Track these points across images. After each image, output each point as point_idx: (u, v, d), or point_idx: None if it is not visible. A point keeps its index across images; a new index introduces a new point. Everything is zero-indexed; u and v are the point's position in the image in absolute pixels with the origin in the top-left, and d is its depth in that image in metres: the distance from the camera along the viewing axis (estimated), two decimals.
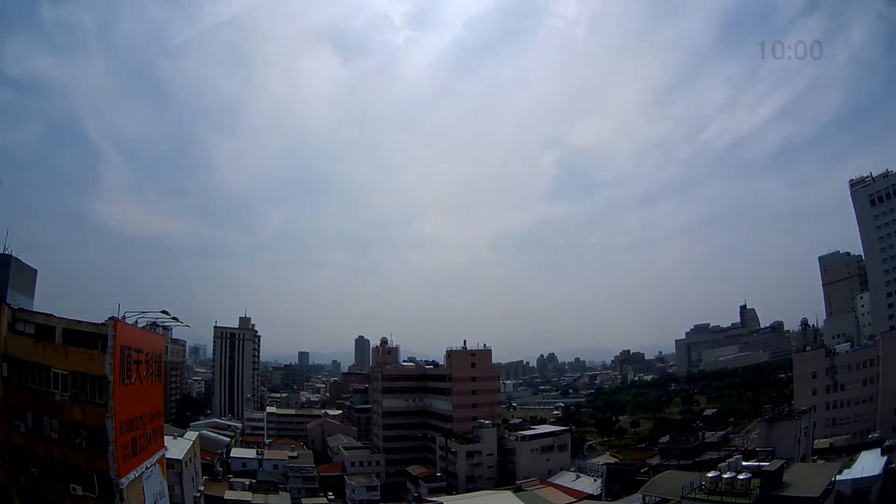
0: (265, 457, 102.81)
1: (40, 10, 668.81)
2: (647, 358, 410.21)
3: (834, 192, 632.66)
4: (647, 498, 48.96)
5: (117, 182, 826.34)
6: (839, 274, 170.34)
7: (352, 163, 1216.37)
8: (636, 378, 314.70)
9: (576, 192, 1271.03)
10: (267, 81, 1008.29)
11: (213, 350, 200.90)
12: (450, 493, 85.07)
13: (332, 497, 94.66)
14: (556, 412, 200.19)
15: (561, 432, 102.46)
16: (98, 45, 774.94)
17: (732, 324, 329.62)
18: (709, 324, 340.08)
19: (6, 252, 35.48)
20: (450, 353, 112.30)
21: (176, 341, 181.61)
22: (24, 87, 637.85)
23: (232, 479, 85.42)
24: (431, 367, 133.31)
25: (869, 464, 52.98)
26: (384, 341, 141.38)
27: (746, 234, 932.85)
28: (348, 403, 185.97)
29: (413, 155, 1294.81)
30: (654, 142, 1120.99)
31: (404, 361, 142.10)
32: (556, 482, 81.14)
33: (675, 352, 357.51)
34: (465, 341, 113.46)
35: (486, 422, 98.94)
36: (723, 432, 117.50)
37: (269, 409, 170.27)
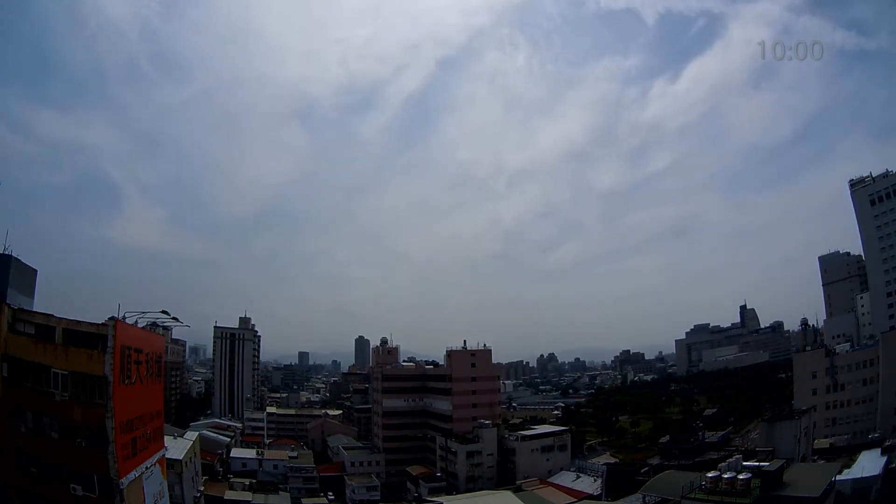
0: (265, 457, 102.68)
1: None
2: (647, 358, 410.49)
3: (834, 192, 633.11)
4: (647, 498, 48.98)
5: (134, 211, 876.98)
6: (839, 274, 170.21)
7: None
8: (636, 378, 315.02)
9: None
10: (250, 144, 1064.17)
11: (213, 350, 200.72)
12: (450, 493, 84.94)
13: (332, 497, 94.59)
14: (556, 412, 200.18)
15: (561, 432, 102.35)
16: (111, 110, 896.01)
17: (732, 324, 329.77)
18: (709, 324, 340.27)
19: (6, 252, 35.49)
20: (450, 353, 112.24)
21: (176, 341, 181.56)
22: (59, 146, 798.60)
23: (232, 480, 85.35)
24: (431, 367, 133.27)
25: (869, 464, 52.91)
26: (384, 341, 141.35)
27: (747, 234, 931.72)
28: (348, 403, 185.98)
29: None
30: (654, 140, 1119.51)
31: (404, 361, 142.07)
32: (556, 482, 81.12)
33: (675, 352, 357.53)
34: (465, 341, 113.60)
35: (486, 422, 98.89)
36: (723, 432, 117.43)
37: (269, 410, 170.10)
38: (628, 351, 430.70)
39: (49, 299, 42.46)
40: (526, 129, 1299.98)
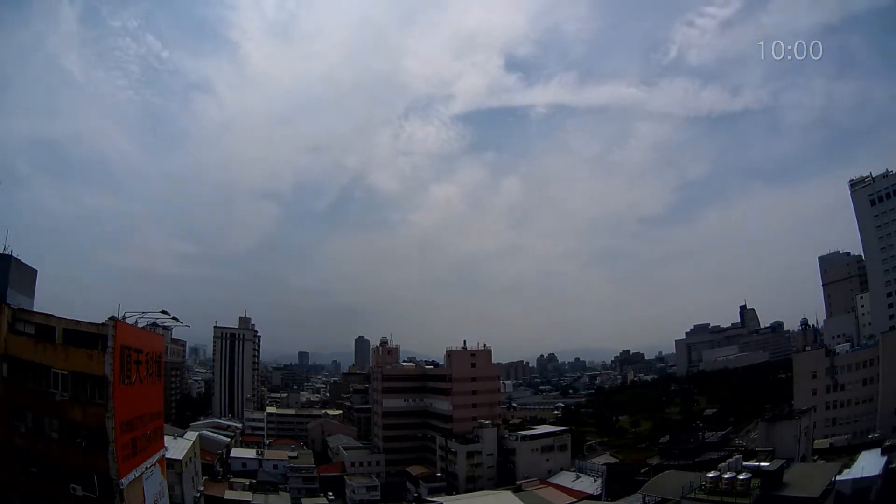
0: (265, 457, 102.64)
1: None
2: (647, 358, 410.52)
3: (834, 192, 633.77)
4: (647, 498, 49.01)
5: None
6: (839, 274, 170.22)
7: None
8: (636, 378, 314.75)
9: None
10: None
11: (213, 350, 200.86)
12: (450, 494, 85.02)
13: (332, 497, 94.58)
14: (555, 412, 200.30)
15: (561, 432, 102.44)
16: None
17: (732, 324, 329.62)
18: (709, 324, 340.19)
19: (6, 252, 35.47)
20: (450, 353, 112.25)
21: (176, 341, 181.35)
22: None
23: (232, 480, 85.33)
24: (431, 367, 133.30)
25: (869, 464, 52.92)
26: (384, 341, 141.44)
27: (747, 234, 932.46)
28: (348, 403, 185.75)
29: None
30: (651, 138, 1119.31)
31: (404, 361, 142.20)
32: (556, 482, 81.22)
33: (675, 352, 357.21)
34: (465, 341, 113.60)
35: (486, 422, 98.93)
36: (723, 432, 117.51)
37: (269, 410, 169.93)
38: (628, 351, 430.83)
39: (49, 299, 42.45)
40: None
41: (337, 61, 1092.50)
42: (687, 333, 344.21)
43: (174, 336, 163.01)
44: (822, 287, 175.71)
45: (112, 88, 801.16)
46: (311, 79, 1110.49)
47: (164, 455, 44.94)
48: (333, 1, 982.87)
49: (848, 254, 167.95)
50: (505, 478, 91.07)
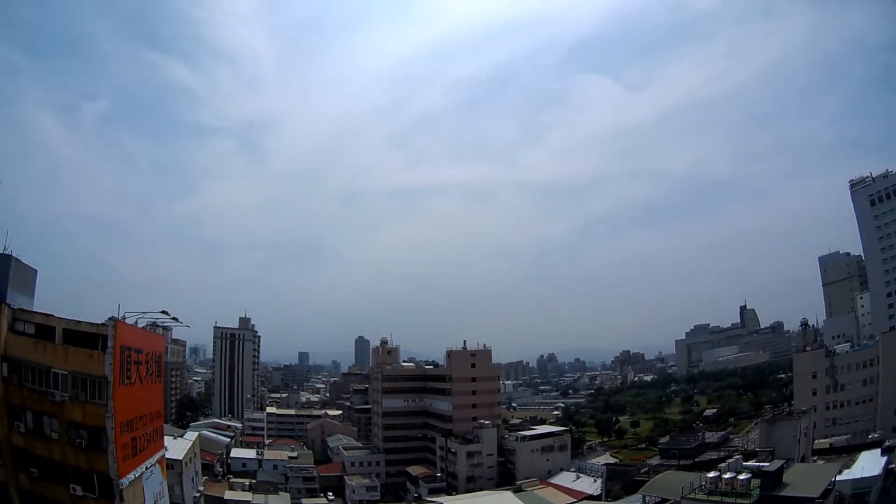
0: (265, 457, 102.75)
1: None
2: (647, 358, 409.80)
3: (834, 192, 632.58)
4: (647, 498, 49.04)
5: None
6: (839, 274, 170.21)
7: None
8: (636, 378, 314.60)
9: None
10: None
11: (213, 350, 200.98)
12: (450, 494, 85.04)
13: (332, 497, 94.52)
14: (555, 412, 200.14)
15: (561, 433, 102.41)
16: None
17: (732, 324, 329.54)
18: (709, 324, 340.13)
19: (6, 252, 35.43)
20: (450, 354, 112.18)
21: (176, 341, 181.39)
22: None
23: (232, 480, 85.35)
24: (431, 367, 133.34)
25: (869, 464, 52.98)
26: (384, 341, 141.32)
27: (747, 234, 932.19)
28: (348, 404, 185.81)
29: None
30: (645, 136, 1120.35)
31: (404, 361, 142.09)
32: (556, 482, 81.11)
33: (675, 352, 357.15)
34: (464, 341, 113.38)
35: (486, 422, 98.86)
36: (723, 432, 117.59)
37: (269, 410, 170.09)
38: (628, 351, 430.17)
39: (49, 299, 42.41)
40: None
41: None
42: (687, 333, 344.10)
43: (174, 336, 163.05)
44: (822, 287, 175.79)
45: None
46: None
47: (164, 455, 44.90)
48: None
49: (848, 254, 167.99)
50: (505, 478, 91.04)
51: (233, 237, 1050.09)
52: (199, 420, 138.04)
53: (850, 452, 63.67)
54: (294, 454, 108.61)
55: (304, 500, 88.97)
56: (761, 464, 47.40)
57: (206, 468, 79.81)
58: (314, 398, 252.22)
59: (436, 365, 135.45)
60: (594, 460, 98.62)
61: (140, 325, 40.73)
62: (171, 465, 51.77)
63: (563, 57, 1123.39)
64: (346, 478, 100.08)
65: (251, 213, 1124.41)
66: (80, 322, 34.53)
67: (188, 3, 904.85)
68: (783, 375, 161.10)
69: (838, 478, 47.09)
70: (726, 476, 42.57)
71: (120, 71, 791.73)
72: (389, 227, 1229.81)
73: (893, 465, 52.81)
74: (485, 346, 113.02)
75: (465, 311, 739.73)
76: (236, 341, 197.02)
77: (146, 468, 38.10)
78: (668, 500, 45.95)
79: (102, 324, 33.77)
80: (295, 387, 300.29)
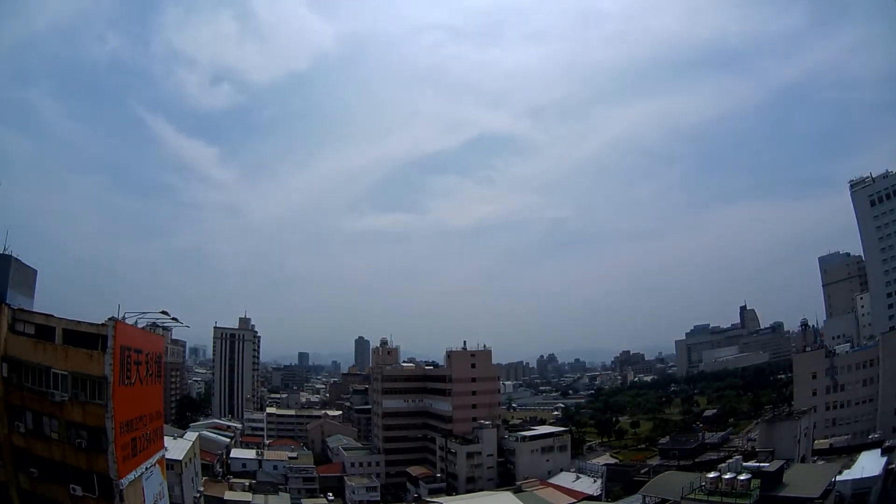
0: (265, 457, 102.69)
1: None
2: (647, 358, 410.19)
3: (834, 192, 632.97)
4: (647, 498, 49.05)
5: None
6: (839, 274, 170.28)
7: None
8: (636, 379, 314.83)
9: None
10: None
11: (213, 350, 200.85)
12: (450, 494, 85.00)
13: (332, 498, 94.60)
14: (555, 413, 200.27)
15: (561, 433, 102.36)
16: None
17: (732, 324, 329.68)
18: (709, 324, 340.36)
19: (6, 252, 35.42)
20: (450, 354, 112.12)
21: (176, 342, 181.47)
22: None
23: (232, 480, 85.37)
24: (431, 367, 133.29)
25: (869, 464, 53.02)
26: (384, 342, 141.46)
27: (747, 234, 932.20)
28: (348, 404, 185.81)
29: None
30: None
31: (404, 362, 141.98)
32: (556, 483, 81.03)
33: (675, 352, 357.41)
34: (464, 342, 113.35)
35: (486, 422, 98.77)
36: (723, 433, 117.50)
37: (269, 410, 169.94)
38: (628, 351, 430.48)
39: (49, 299, 42.40)
40: None
41: None
42: (687, 334, 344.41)
43: (174, 336, 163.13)
44: (822, 287, 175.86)
45: None
46: None
47: (164, 455, 44.85)
48: None
49: (848, 254, 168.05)
50: (505, 478, 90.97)
51: None
52: (198, 420, 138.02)
53: (850, 453, 63.76)
54: (294, 454, 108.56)
55: (303, 501, 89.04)
56: (761, 464, 47.39)
57: (206, 468, 79.76)
58: (314, 398, 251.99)
59: (436, 365, 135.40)
60: (594, 461, 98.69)
61: (140, 326, 40.71)
62: (171, 466, 51.73)
63: None
64: (345, 478, 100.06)
65: None
66: (79, 322, 34.48)
67: None
68: (783, 376, 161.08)
69: (838, 478, 47.16)
70: (726, 476, 42.59)
71: None
72: None
73: (893, 466, 52.85)
74: (485, 346, 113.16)
75: (466, 311, 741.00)
76: (236, 341, 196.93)
77: (146, 468, 38.06)
78: (667, 501, 45.94)
79: (102, 324, 33.72)
80: (295, 387, 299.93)
